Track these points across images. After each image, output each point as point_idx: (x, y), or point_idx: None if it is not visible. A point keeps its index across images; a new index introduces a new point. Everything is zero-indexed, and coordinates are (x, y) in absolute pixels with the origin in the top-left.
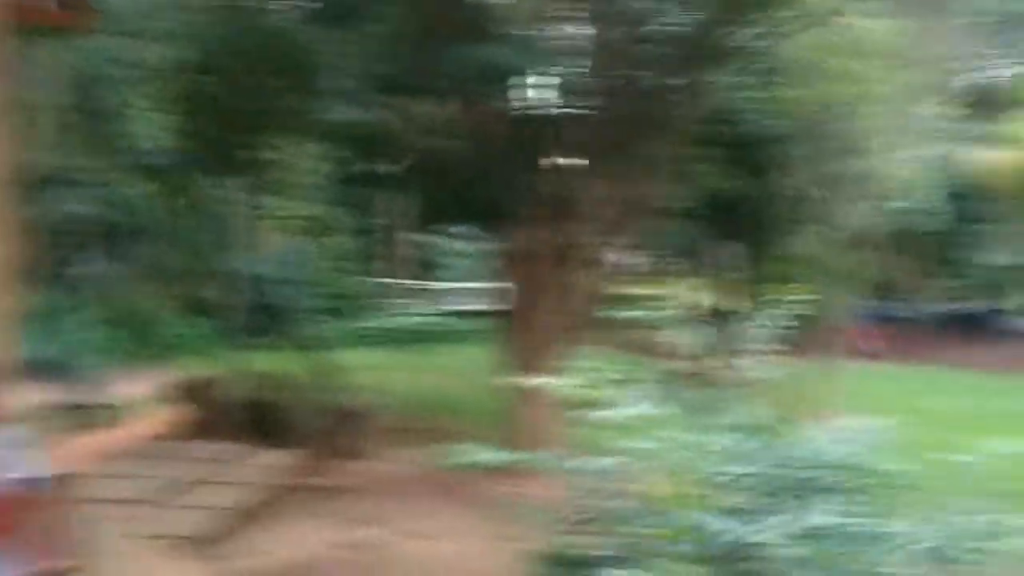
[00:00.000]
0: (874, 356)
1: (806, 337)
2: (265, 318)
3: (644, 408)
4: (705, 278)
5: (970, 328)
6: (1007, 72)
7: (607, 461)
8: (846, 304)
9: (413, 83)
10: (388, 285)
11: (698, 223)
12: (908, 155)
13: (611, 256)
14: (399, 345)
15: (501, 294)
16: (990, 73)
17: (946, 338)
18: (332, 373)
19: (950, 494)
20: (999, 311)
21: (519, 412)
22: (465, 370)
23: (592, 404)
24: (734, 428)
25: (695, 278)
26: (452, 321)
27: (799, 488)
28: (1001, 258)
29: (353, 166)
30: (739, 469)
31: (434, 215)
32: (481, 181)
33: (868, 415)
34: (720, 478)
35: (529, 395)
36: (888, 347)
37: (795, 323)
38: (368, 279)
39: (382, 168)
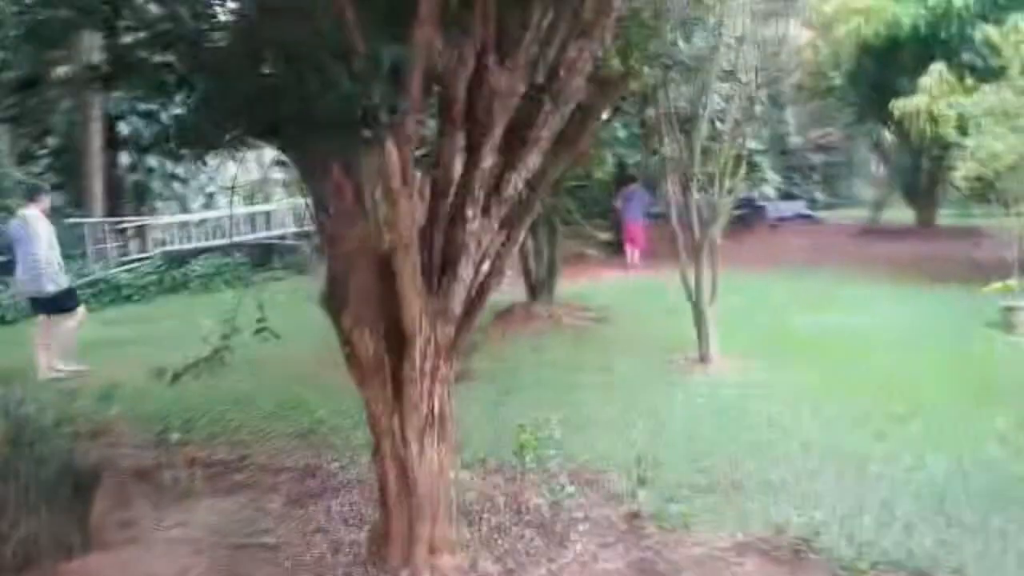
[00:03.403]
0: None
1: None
2: None
3: None
4: None
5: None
6: None
7: None
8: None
9: None
10: (82, 226)
11: None
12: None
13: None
14: (106, 305)
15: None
16: None
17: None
18: None
19: None
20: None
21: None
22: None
23: None
24: None
25: None
26: (177, 268)
27: None
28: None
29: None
30: None
31: (206, 129)
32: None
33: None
34: None
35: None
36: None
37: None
38: (56, 219)
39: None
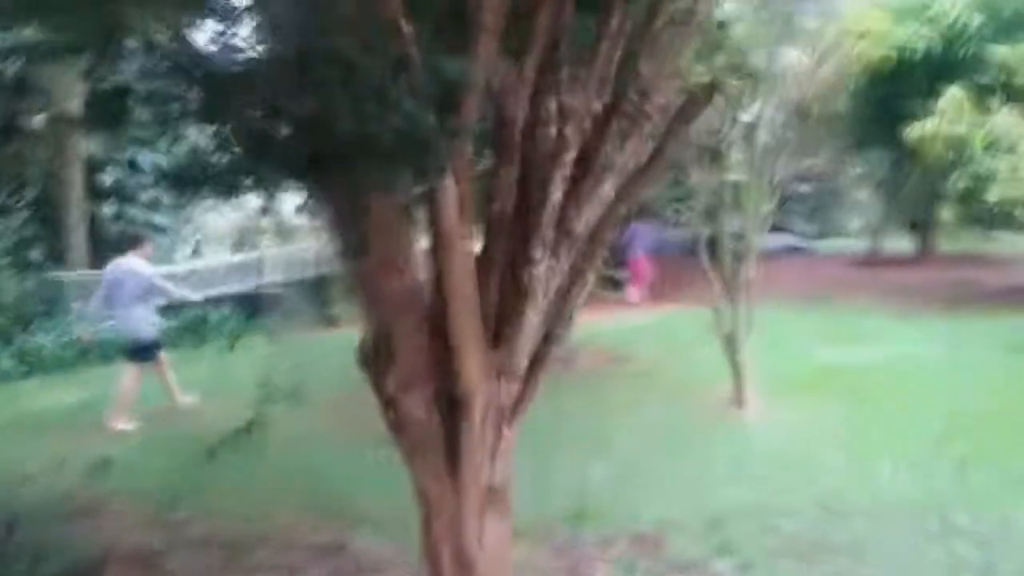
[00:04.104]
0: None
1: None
2: None
3: None
4: None
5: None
6: None
7: None
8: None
9: None
10: (64, 282)
11: None
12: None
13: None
14: (92, 365)
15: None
16: None
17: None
18: None
19: None
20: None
21: None
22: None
23: None
24: None
25: None
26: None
27: None
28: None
29: None
30: None
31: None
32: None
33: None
34: None
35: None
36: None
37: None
38: (36, 274)
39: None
